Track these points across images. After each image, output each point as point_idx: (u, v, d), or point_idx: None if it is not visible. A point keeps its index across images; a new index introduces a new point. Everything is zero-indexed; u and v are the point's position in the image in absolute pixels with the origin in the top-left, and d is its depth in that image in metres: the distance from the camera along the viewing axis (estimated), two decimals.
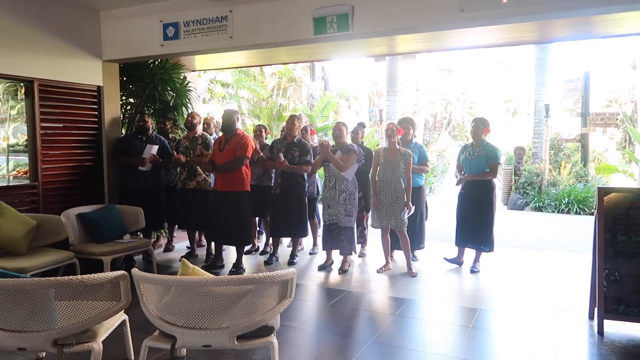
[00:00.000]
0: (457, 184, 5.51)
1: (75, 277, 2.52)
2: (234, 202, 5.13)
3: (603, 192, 3.90)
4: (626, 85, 21.89)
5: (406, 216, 5.21)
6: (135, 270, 2.58)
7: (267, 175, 5.93)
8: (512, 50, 22.60)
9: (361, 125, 6.02)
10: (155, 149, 5.64)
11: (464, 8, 4.12)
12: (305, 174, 5.65)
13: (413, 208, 5.27)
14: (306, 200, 5.65)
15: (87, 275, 2.55)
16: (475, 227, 5.34)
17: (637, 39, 17.89)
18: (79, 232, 4.75)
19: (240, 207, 5.16)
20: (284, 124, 6.14)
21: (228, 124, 5.15)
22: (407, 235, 5.31)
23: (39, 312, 2.51)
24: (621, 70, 22.01)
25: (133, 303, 2.76)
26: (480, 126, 5.40)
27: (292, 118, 5.66)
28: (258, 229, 6.63)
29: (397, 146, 5.27)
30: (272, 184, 5.74)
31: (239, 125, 5.27)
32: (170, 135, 6.30)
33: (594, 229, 3.90)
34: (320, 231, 6.15)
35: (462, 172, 5.47)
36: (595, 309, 3.83)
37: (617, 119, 12.97)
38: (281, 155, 5.41)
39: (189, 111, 6.81)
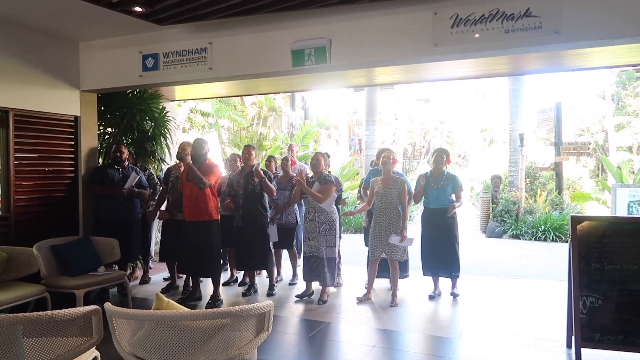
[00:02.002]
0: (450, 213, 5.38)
1: (44, 312, 2.45)
2: (203, 232, 5.09)
3: (576, 220, 3.97)
4: (597, 115, 22.61)
5: (398, 242, 5.19)
6: (107, 305, 2.52)
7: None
8: (487, 81, 23.23)
9: (325, 155, 6.08)
10: (137, 178, 5.61)
11: (438, 42, 4.26)
12: (267, 205, 5.64)
13: (412, 240, 5.27)
14: (269, 232, 5.61)
15: (57, 310, 2.48)
16: (446, 255, 5.40)
17: (605, 71, 18.62)
18: (51, 265, 4.63)
19: (208, 237, 5.13)
20: (264, 153, 6.16)
21: (197, 154, 5.14)
22: (397, 266, 5.32)
23: (6, 350, 2.41)
24: (592, 100, 22.76)
25: (105, 338, 2.68)
26: (443, 156, 5.50)
27: (248, 148, 5.65)
28: None
29: (392, 174, 5.33)
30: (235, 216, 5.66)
31: (208, 155, 5.27)
32: (139, 165, 6.25)
33: (569, 257, 3.96)
34: (300, 261, 6.12)
35: (422, 197, 5.52)
36: (573, 338, 3.86)
37: (588, 148, 13.32)
38: (228, 200, 5.46)
39: (167, 141, 6.79)
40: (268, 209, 5.70)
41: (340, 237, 6.01)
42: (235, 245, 5.65)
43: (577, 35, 3.88)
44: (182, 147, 5.84)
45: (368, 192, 5.52)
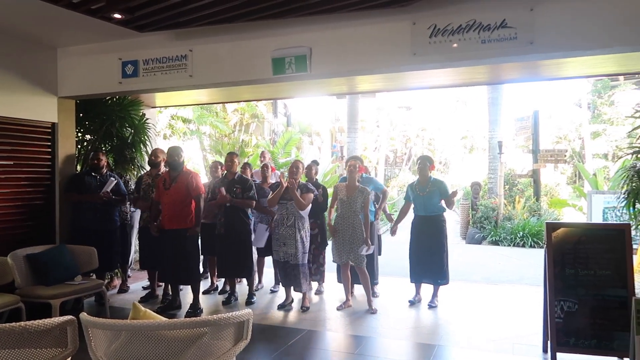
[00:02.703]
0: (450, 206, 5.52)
1: (18, 323, 2.41)
2: (181, 240, 5.06)
3: (551, 227, 4.05)
4: (573, 123, 23.08)
5: (364, 252, 5.24)
6: (83, 315, 2.48)
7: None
8: (467, 89, 23.57)
9: (314, 162, 6.11)
10: (115, 182, 5.55)
11: (417, 52, 4.32)
12: (250, 212, 5.63)
13: (372, 247, 5.31)
14: (251, 239, 5.60)
15: (31, 321, 2.44)
16: (431, 262, 5.42)
17: (581, 80, 19.03)
18: (26, 274, 4.55)
19: (186, 244, 5.10)
20: (245, 159, 6.15)
21: (175, 162, 5.11)
22: (367, 272, 5.33)
23: None
24: (568, 108, 23.23)
25: (81, 349, 2.64)
26: (426, 163, 5.57)
27: (231, 155, 5.61)
28: None
29: (357, 183, 5.36)
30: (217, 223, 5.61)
31: (184, 163, 5.25)
32: (115, 172, 6.18)
33: (544, 263, 4.03)
34: None
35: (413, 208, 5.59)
36: (549, 342, 3.92)
37: (565, 155, 13.60)
38: (222, 189, 5.32)
39: (147, 148, 6.72)
40: (250, 216, 5.68)
41: (326, 244, 6.01)
42: (217, 252, 5.62)
43: (551, 46, 3.98)
44: (155, 153, 5.79)
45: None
